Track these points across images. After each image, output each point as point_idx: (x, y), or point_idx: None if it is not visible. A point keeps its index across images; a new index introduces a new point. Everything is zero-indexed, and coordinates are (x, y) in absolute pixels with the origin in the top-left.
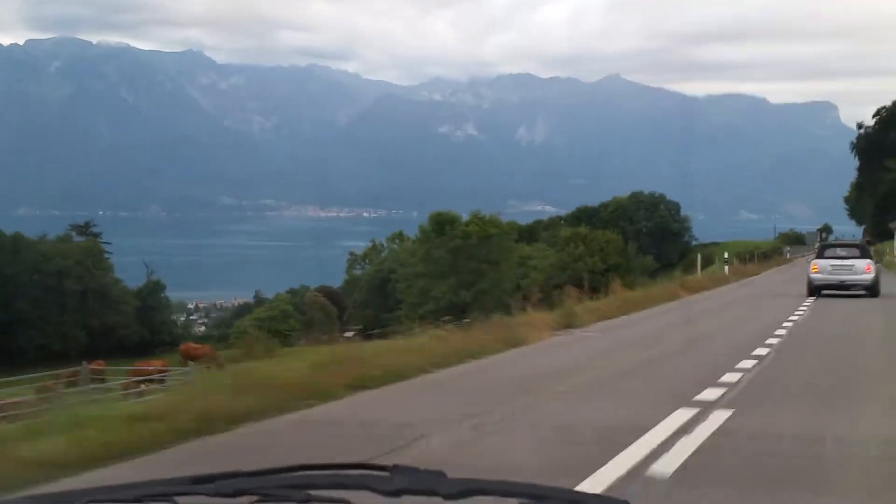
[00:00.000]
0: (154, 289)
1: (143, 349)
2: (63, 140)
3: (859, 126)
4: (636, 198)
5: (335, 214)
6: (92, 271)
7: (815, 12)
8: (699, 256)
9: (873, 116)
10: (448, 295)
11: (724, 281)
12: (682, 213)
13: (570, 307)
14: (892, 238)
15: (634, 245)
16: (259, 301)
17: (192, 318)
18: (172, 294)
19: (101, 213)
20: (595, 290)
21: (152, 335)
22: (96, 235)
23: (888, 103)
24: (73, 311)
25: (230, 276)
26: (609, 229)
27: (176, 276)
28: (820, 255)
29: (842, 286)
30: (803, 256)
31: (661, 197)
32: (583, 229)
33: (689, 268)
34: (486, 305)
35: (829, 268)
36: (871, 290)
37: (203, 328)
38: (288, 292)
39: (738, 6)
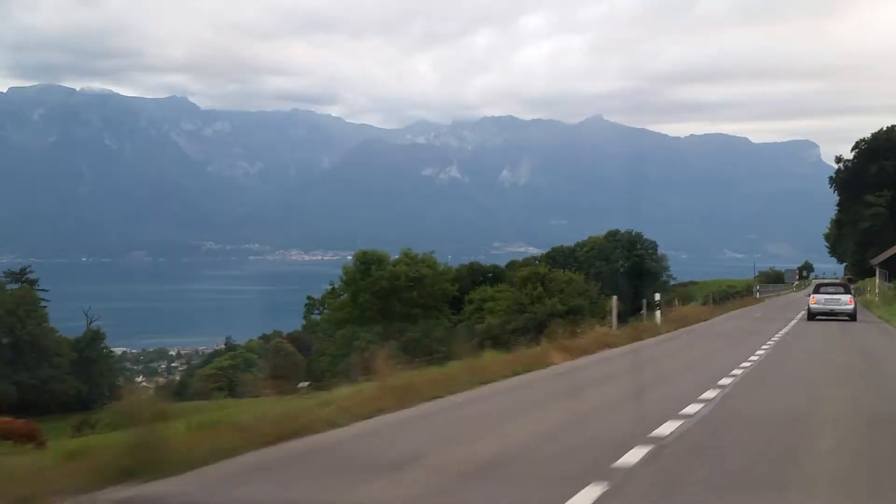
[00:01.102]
0: (93, 338)
1: (81, 404)
2: (46, 187)
3: (838, 160)
4: (613, 237)
5: (319, 258)
6: (24, 321)
7: (794, 52)
8: (614, 300)
9: (852, 150)
10: (373, 345)
11: (640, 335)
12: (660, 252)
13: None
14: (873, 275)
15: (597, 285)
16: (230, 347)
17: (167, 365)
18: (153, 341)
19: (84, 259)
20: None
21: (91, 389)
22: (32, 282)
23: (867, 136)
24: (2, 363)
25: (213, 321)
26: (586, 269)
27: (159, 322)
28: (816, 291)
29: (831, 313)
30: (779, 295)
31: (638, 236)
32: (541, 268)
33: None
34: (417, 355)
35: (823, 300)
36: (852, 316)
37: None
38: (261, 338)
39: (718, 47)
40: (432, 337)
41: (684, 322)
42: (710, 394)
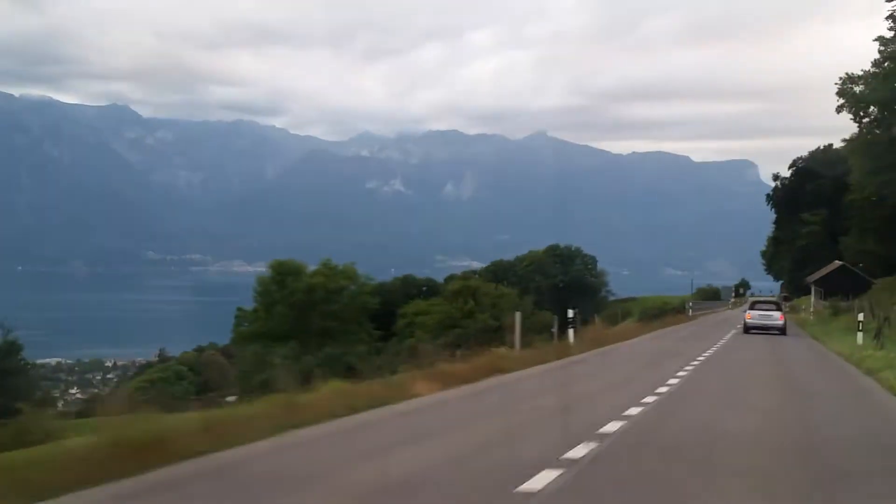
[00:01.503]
0: (10, 350)
1: None
2: None
3: (775, 178)
4: (552, 251)
5: (262, 269)
6: None
7: (736, 73)
8: (517, 317)
9: (789, 168)
10: (288, 361)
11: (545, 358)
12: (600, 267)
13: None
14: (809, 293)
15: (530, 298)
16: (163, 359)
17: (103, 377)
18: (89, 352)
19: (20, 268)
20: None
21: (5, 403)
22: None
23: (805, 154)
24: None
25: (152, 332)
26: (525, 284)
27: (96, 332)
28: (751, 308)
29: (764, 328)
30: (715, 312)
31: (578, 251)
32: (473, 282)
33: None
34: (335, 372)
35: (757, 316)
36: (782, 330)
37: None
38: (195, 350)
39: (661, 67)
40: (353, 352)
41: (602, 341)
42: (578, 451)
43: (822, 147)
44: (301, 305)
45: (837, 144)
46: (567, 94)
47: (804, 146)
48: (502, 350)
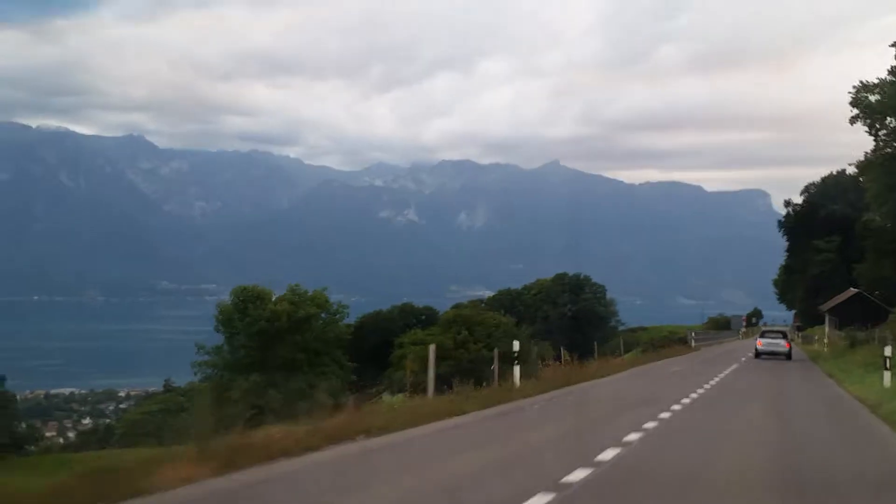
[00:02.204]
0: None
1: None
2: None
3: (787, 204)
4: (560, 280)
5: None
6: None
7: (747, 103)
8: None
9: (801, 194)
10: (250, 397)
11: (463, 407)
12: (609, 296)
13: None
14: (823, 322)
15: (528, 328)
16: (168, 389)
17: (116, 407)
18: (103, 382)
19: (35, 297)
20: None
21: None
22: None
23: (817, 181)
24: None
25: (166, 362)
26: (533, 313)
27: (110, 362)
28: (761, 336)
29: (773, 353)
30: (720, 343)
31: (587, 279)
32: (467, 310)
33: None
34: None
35: (766, 343)
36: (788, 356)
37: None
38: (202, 380)
39: (673, 97)
40: (321, 389)
41: (570, 379)
42: None
43: (834, 173)
44: (267, 335)
45: (850, 171)
46: (580, 124)
47: (817, 175)
48: (396, 399)
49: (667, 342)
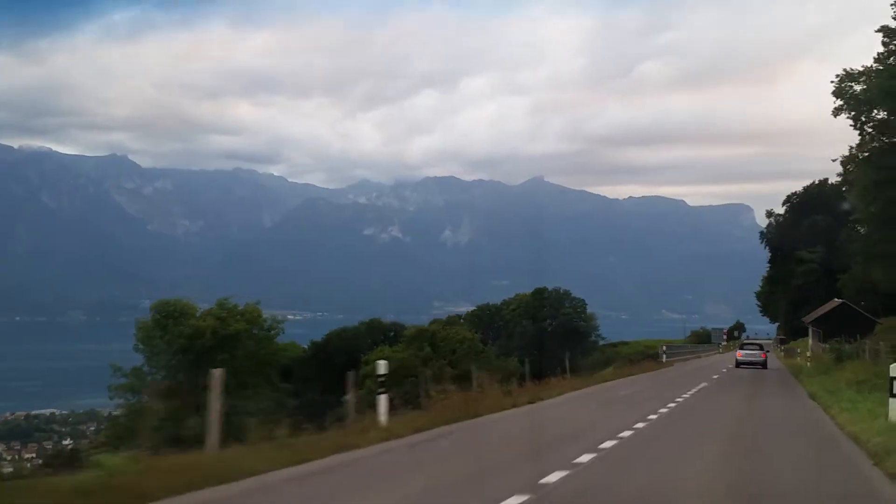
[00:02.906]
0: None
1: None
2: None
3: (769, 215)
4: (540, 294)
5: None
6: None
7: (730, 118)
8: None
9: (783, 204)
10: (168, 423)
11: (270, 461)
12: (589, 310)
13: None
14: (807, 335)
15: (492, 345)
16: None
17: (97, 427)
18: (86, 402)
19: (17, 318)
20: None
21: None
22: None
23: (799, 189)
24: None
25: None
26: (512, 328)
27: (94, 382)
28: (741, 348)
29: (750, 363)
30: (698, 357)
31: (567, 293)
32: (433, 326)
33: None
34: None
35: (745, 354)
36: (764, 365)
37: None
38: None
39: (656, 110)
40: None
41: (464, 412)
42: None
43: (816, 182)
44: (192, 353)
45: (833, 180)
46: (563, 139)
47: (799, 190)
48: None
49: (638, 357)
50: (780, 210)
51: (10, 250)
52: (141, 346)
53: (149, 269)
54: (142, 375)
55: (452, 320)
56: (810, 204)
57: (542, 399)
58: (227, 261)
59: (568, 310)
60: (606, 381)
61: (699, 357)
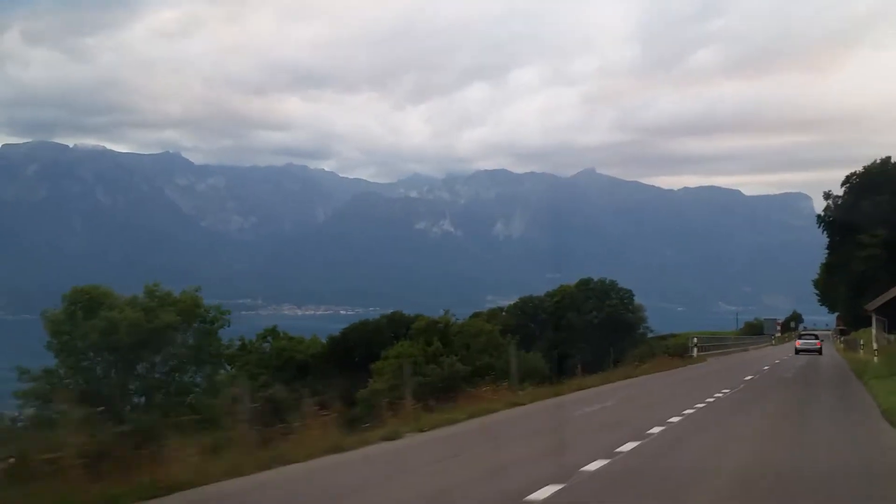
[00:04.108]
0: None
1: None
2: (37, 243)
3: (827, 196)
4: (584, 285)
5: (312, 312)
6: None
7: (785, 105)
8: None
9: (842, 185)
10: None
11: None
12: (637, 301)
13: None
14: (870, 325)
15: (513, 339)
16: None
17: None
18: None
19: None
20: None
21: None
22: None
23: (859, 169)
24: None
25: None
26: (556, 321)
27: None
28: (799, 338)
29: (808, 350)
30: (745, 350)
31: (612, 284)
32: (444, 318)
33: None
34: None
35: (803, 343)
36: (819, 352)
37: None
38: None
39: (709, 100)
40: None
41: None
42: None
43: (878, 160)
44: (109, 350)
45: None
46: (615, 130)
47: None
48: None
49: (680, 350)
50: (839, 192)
51: (66, 248)
52: (53, 343)
53: (203, 265)
54: (56, 379)
55: (494, 313)
56: (872, 184)
57: (523, 403)
58: (280, 256)
59: (614, 301)
60: (609, 382)
61: (746, 350)
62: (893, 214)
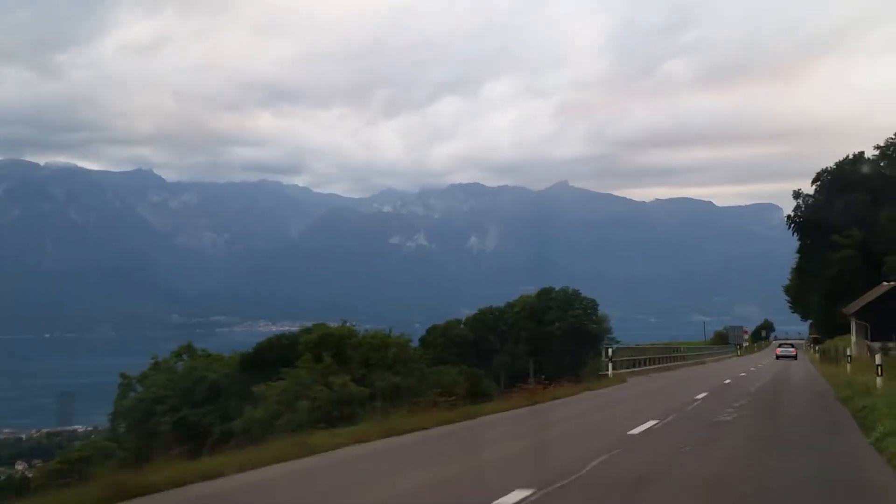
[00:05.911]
0: None
1: None
2: (8, 263)
3: (797, 195)
4: (546, 295)
5: (287, 328)
6: None
7: (755, 117)
8: None
9: (813, 182)
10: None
11: None
12: (600, 311)
13: None
14: (845, 332)
15: (427, 354)
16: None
17: None
18: None
19: (47, 335)
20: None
21: None
22: None
23: (830, 165)
24: None
25: None
26: (516, 332)
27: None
28: (779, 346)
29: (785, 356)
30: (703, 363)
31: (576, 293)
32: (342, 328)
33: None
34: None
35: (782, 350)
36: (795, 357)
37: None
38: None
39: (681, 111)
40: None
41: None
42: None
43: (850, 156)
44: None
45: (870, 153)
46: (587, 143)
47: None
48: None
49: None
50: (810, 191)
51: (39, 267)
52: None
53: (177, 282)
54: None
55: (452, 325)
56: (845, 181)
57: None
58: (255, 272)
59: (577, 311)
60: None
61: (703, 364)
62: (868, 213)
